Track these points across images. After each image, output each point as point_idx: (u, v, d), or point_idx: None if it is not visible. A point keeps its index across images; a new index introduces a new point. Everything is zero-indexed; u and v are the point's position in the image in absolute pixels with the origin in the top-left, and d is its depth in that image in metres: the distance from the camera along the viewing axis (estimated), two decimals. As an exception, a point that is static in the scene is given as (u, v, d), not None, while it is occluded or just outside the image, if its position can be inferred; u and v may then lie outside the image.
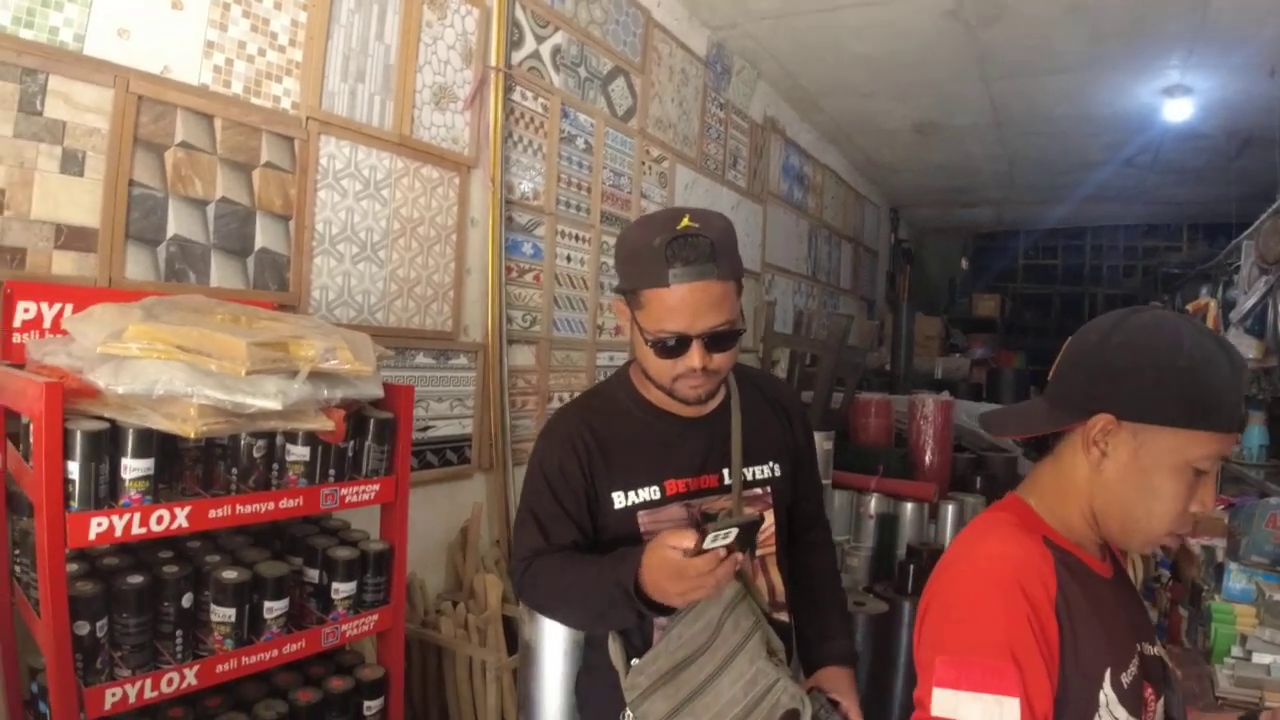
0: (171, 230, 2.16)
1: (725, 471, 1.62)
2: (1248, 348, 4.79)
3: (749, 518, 1.29)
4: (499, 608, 2.77)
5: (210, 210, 2.24)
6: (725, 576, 1.31)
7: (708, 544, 1.23)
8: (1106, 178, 7.61)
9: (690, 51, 4.56)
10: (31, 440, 1.69)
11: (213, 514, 1.68)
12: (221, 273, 2.27)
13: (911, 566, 3.42)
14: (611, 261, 3.78)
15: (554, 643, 2.17)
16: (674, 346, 1.45)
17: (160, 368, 1.57)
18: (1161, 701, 1.18)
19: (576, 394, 3.55)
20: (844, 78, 5.54)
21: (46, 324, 1.94)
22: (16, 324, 1.90)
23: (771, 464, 1.68)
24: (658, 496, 1.56)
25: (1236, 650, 2.31)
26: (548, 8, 3.39)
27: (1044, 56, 5.01)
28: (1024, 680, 0.97)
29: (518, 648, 2.75)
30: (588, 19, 3.65)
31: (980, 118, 6.25)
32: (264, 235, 2.36)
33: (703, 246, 1.38)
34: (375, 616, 2.02)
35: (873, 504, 3.77)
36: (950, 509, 3.85)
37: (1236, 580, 2.57)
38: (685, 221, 1.40)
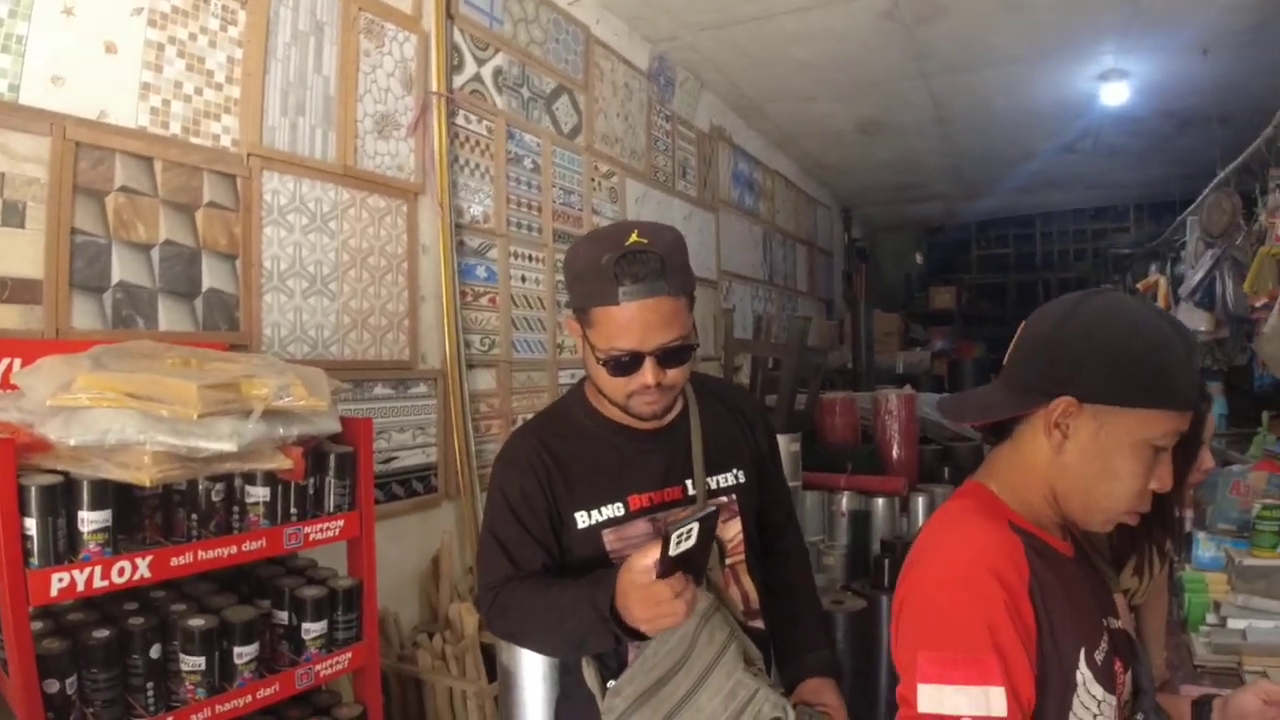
0: (116, 276, 2.12)
1: (688, 482, 1.61)
2: (1199, 320, 4.91)
3: (705, 510, 1.27)
4: (476, 636, 2.75)
5: (154, 254, 2.20)
6: (692, 602, 1.30)
7: (673, 550, 1.22)
8: (1050, 165, 7.76)
9: (632, 66, 4.58)
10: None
11: (175, 562, 1.65)
12: (170, 316, 2.23)
13: (887, 561, 3.44)
14: (567, 279, 3.78)
15: (533, 668, 2.16)
16: (626, 364, 1.44)
17: (111, 416, 1.55)
18: (1130, 673, 1.20)
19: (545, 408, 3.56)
20: (786, 83, 5.60)
21: (-4, 380, 1.90)
22: (-35, 382, 1.87)
23: (735, 471, 1.67)
24: (621, 513, 1.55)
25: (1211, 618, 2.36)
26: (486, 30, 3.39)
27: (981, 51, 5.11)
28: (1007, 668, 0.98)
29: (497, 675, 2.74)
30: (527, 39, 3.66)
31: (923, 114, 6.34)
32: (211, 275, 2.33)
33: (652, 263, 1.38)
34: (349, 654, 1.99)
35: (844, 502, 3.79)
36: (921, 500, 3.89)
37: (1205, 549, 2.63)
38: (634, 237, 1.39)
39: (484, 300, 3.29)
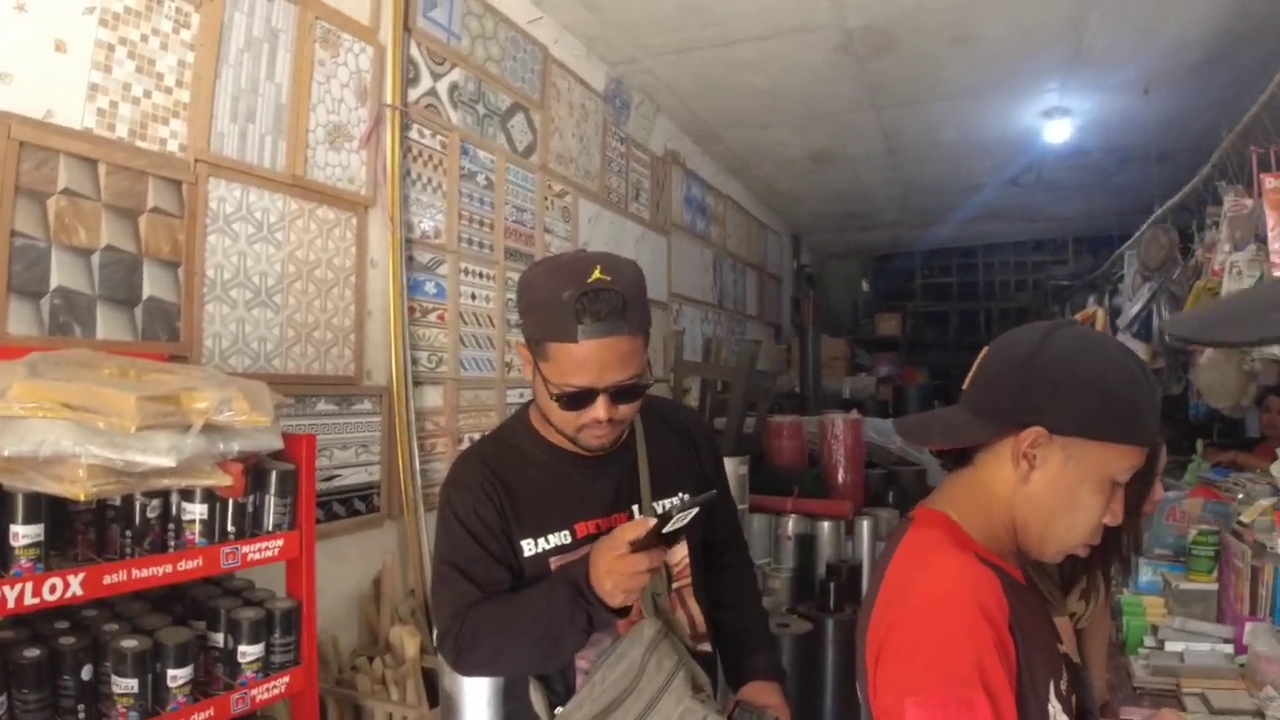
0: (55, 282, 2.04)
1: (635, 508, 1.61)
2: (1137, 351, 5.01)
3: (707, 496, 1.34)
4: (417, 659, 2.69)
5: (95, 259, 2.13)
6: (656, 564, 1.35)
7: (667, 528, 1.29)
8: (994, 197, 7.95)
9: (589, 87, 4.59)
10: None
11: (108, 579, 1.59)
12: (108, 324, 2.15)
13: (832, 584, 3.47)
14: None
15: (475, 693, 2.12)
16: (579, 399, 1.43)
17: (46, 427, 1.48)
18: (1074, 697, 1.21)
19: (487, 433, 3.52)
20: (741, 110, 5.67)
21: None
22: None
23: (681, 495, 1.66)
24: (568, 540, 1.54)
25: (1149, 640, 2.43)
26: (444, 45, 3.37)
27: (931, 85, 5.23)
28: (996, 709, 0.95)
29: (435, 702, 2.68)
30: (485, 56, 3.64)
31: (873, 145, 6.46)
32: (152, 283, 2.26)
33: (614, 301, 1.36)
34: (286, 678, 1.93)
35: (790, 525, 3.81)
36: (865, 524, 3.94)
37: (1143, 573, 2.69)
38: (596, 274, 1.36)
39: (432, 316, 3.25)
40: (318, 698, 2.07)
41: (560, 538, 1.53)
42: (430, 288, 3.23)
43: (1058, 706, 1.07)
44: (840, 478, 4.46)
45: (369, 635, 2.88)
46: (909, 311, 10.87)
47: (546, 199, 4.11)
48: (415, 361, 3.10)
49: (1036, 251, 10.62)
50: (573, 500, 1.56)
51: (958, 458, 1.21)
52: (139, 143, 2.23)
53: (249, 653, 1.86)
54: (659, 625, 1.49)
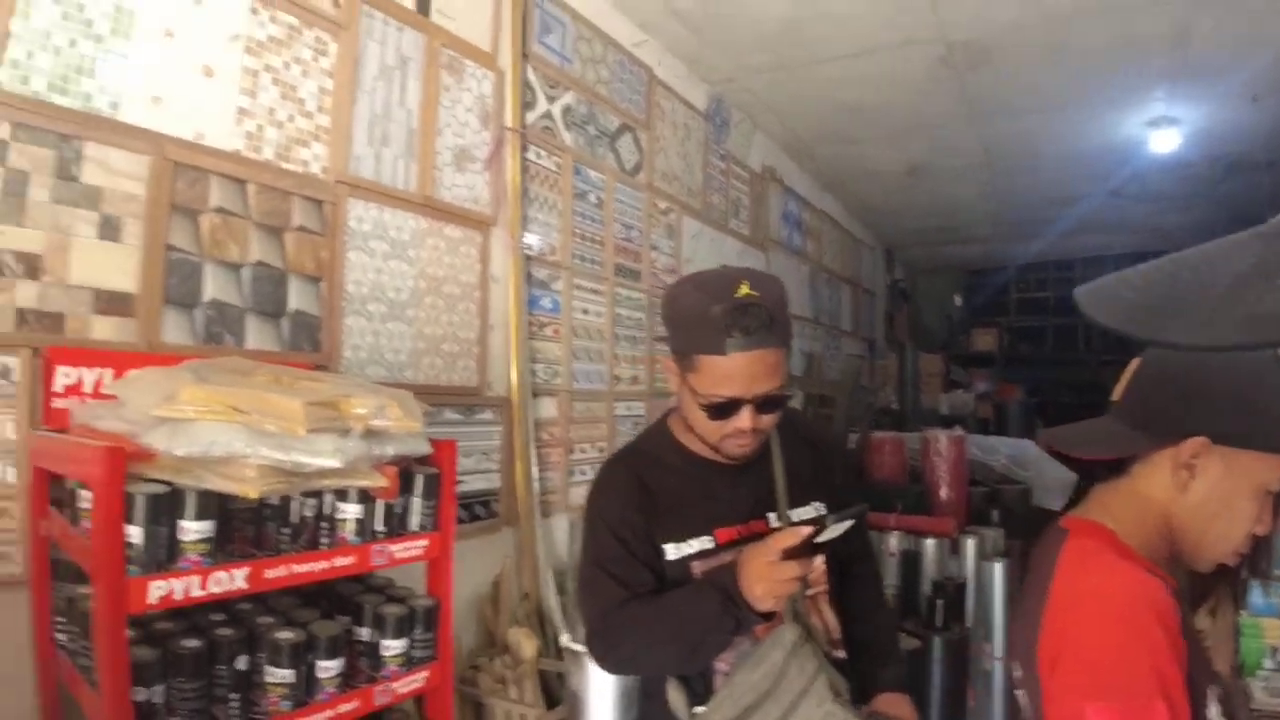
0: (208, 294, 2.19)
1: (771, 516, 1.65)
2: None
3: (859, 510, 1.39)
4: (534, 661, 2.76)
5: (245, 273, 2.27)
6: (805, 572, 1.39)
7: (821, 538, 1.33)
8: (1093, 210, 7.74)
9: (691, 106, 4.66)
10: (81, 505, 1.71)
11: (269, 574, 1.68)
12: (257, 334, 2.30)
13: (939, 602, 3.43)
14: (625, 313, 3.84)
15: (601, 693, 2.19)
16: (726, 409, 1.48)
17: (218, 429, 1.59)
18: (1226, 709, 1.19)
19: (598, 444, 3.60)
20: (838, 126, 5.67)
21: (87, 389, 1.96)
22: (57, 389, 1.92)
23: (815, 504, 1.70)
24: (710, 546, 1.59)
25: (1268, 663, 2.37)
26: (557, 69, 3.48)
27: (1031, 97, 5.15)
28: (1174, 716, 0.95)
29: (550, 703, 2.75)
30: (595, 79, 3.74)
31: (970, 158, 6.38)
32: (297, 297, 2.40)
33: (761, 316, 1.42)
34: (425, 673, 2.01)
35: (894, 542, 3.78)
36: (970, 542, 3.88)
37: (1259, 595, 2.61)
38: (744, 289, 1.42)
39: (548, 330, 3.34)
40: (451, 693, 2.14)
41: (702, 543, 1.58)
42: (546, 302, 3.33)
43: (1215, 710, 1.07)
44: (942, 494, 4.40)
45: (485, 636, 2.96)
46: (1003, 327, 10.63)
47: (652, 216, 4.19)
48: (532, 373, 3.19)
49: (1136, 264, 10.21)
50: (713, 507, 1.61)
51: (1109, 468, 1.21)
52: (284, 164, 2.38)
53: (392, 647, 1.94)
54: (799, 630, 1.51)
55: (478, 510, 2.96)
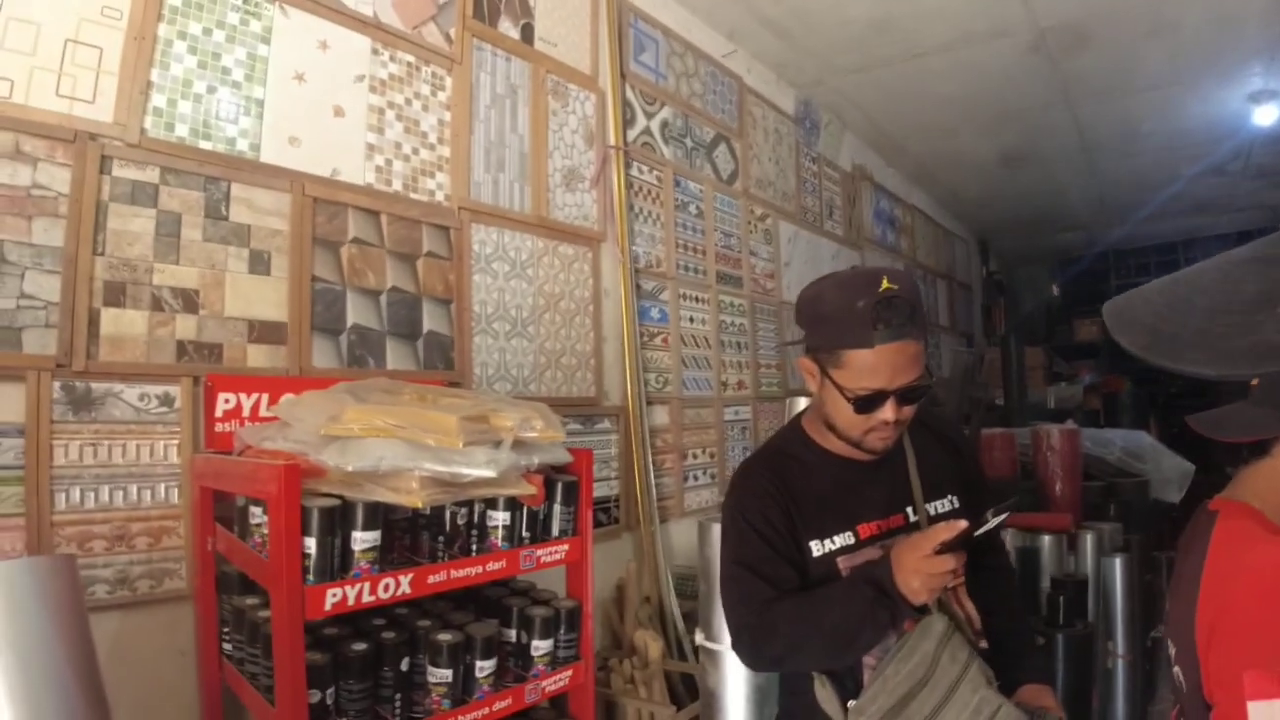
0: (350, 320, 2.35)
1: (909, 510, 1.68)
2: None
3: (1011, 504, 1.43)
4: (660, 662, 2.85)
5: (383, 299, 2.42)
6: (959, 565, 1.43)
7: (977, 532, 1.38)
8: (1196, 189, 7.51)
9: (781, 111, 4.71)
10: (253, 521, 1.86)
11: (431, 580, 1.80)
12: (395, 356, 2.44)
13: (1061, 599, 3.38)
14: (729, 319, 3.90)
15: (736, 692, 2.25)
16: (872, 402, 1.53)
17: (383, 445, 1.72)
18: None
19: (709, 449, 3.67)
20: (929, 119, 5.64)
21: (245, 413, 2.13)
22: (218, 414, 2.09)
23: (950, 497, 1.73)
24: (852, 541, 1.62)
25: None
26: (653, 85, 3.58)
27: (1128, 78, 5.05)
28: None
29: (678, 702, 2.82)
30: (689, 92, 3.83)
31: (1067, 142, 6.26)
32: (430, 319, 2.54)
33: (904, 309, 1.46)
34: (570, 672, 2.11)
35: (1009, 538, 3.74)
36: (1089, 538, 3.80)
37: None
38: (885, 284, 1.47)
39: (657, 340, 3.43)
40: (593, 691, 2.24)
41: (845, 538, 1.62)
42: (654, 313, 3.43)
43: None
44: (1057, 490, 4.33)
45: (611, 638, 3.06)
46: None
47: (750, 223, 4.25)
48: (644, 383, 3.29)
49: (1242, 243, 9.72)
50: (853, 503, 1.65)
51: (1253, 450, 1.22)
52: (412, 195, 2.53)
53: (540, 647, 2.05)
54: (947, 620, 1.55)
55: (599, 517, 3.06)
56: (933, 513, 1.69)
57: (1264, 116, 5.52)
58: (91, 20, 1.91)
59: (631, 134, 3.41)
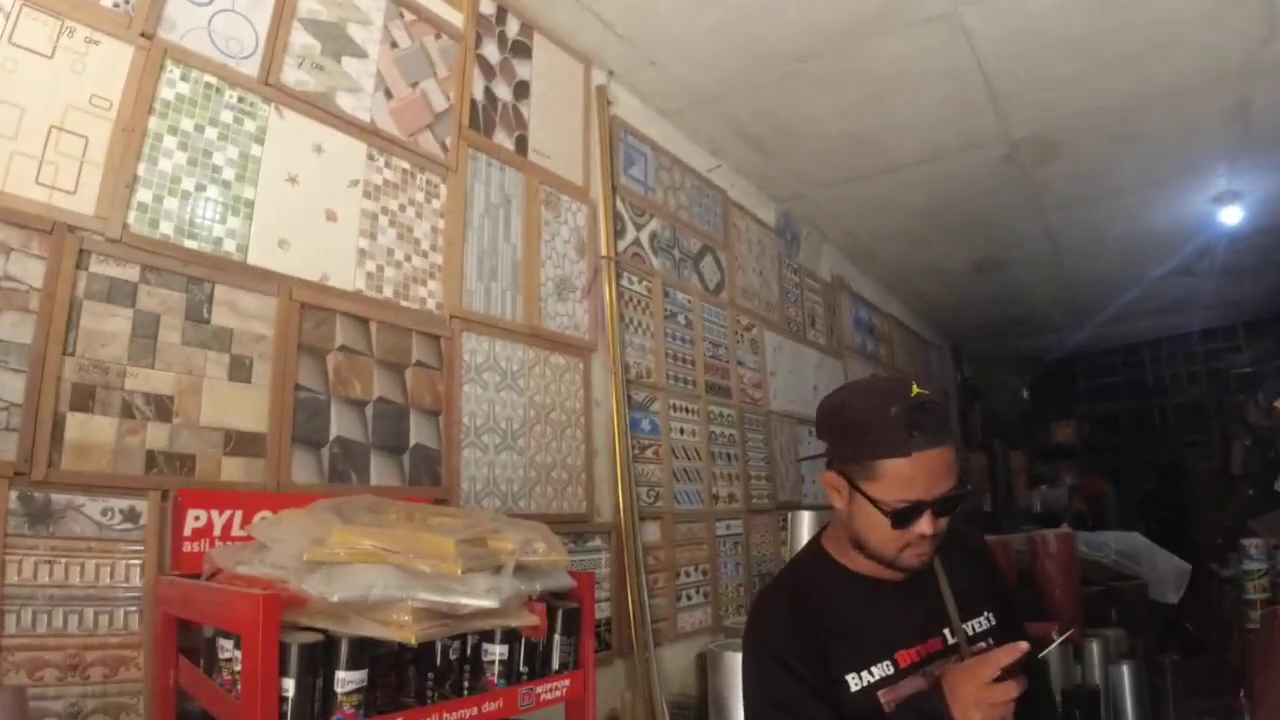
0: (334, 432, 2.22)
1: (946, 632, 1.56)
2: None
3: (1068, 633, 1.42)
4: (660, 802, 2.64)
5: (369, 410, 2.30)
6: (1021, 692, 1.31)
7: (1053, 647, 1.37)
8: (1164, 289, 7.67)
9: (763, 223, 4.76)
10: (223, 655, 1.68)
11: (421, 725, 1.63)
12: (380, 471, 2.31)
13: (1076, 712, 3.23)
14: (718, 430, 3.81)
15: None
16: (909, 515, 1.43)
17: (373, 572, 1.57)
18: None
19: (701, 566, 3.52)
20: (903, 229, 5.74)
21: (217, 531, 1.95)
22: (187, 532, 1.91)
23: (986, 614, 1.62)
24: (892, 671, 1.50)
25: None
26: (642, 198, 3.57)
27: (1097, 184, 5.18)
28: None
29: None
30: (676, 204, 3.84)
31: (1037, 248, 6.39)
32: (417, 431, 2.42)
33: (939, 413, 1.40)
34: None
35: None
36: (1095, 645, 3.67)
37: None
38: (916, 389, 1.41)
39: (649, 453, 3.33)
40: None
41: (884, 669, 1.50)
42: (645, 425, 3.33)
43: None
44: (1056, 595, 4.21)
45: (603, 778, 2.84)
46: (1081, 416, 10.39)
47: (736, 333, 4.21)
48: (637, 497, 3.16)
49: (1205, 340, 10.09)
50: (888, 629, 1.53)
51: None
52: (403, 302, 2.44)
53: (537, 798, 1.86)
54: None
55: (591, 642, 2.88)
56: (970, 633, 1.58)
57: (1229, 217, 5.69)
58: (79, 108, 1.83)
59: (622, 244, 3.38)
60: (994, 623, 1.62)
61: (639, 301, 3.43)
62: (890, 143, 4.37)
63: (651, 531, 3.27)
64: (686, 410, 3.64)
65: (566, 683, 1.92)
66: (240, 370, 2.06)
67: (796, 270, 5.16)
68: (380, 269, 2.40)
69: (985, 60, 3.64)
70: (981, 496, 6.70)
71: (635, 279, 3.43)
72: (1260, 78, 3.97)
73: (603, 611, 2.95)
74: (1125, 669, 3.42)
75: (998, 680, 1.29)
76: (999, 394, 10.14)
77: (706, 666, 2.49)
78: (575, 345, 3.03)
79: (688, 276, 3.85)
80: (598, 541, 2.97)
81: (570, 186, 3.14)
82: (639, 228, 3.52)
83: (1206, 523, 8.17)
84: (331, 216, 2.30)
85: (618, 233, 3.35)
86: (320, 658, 1.55)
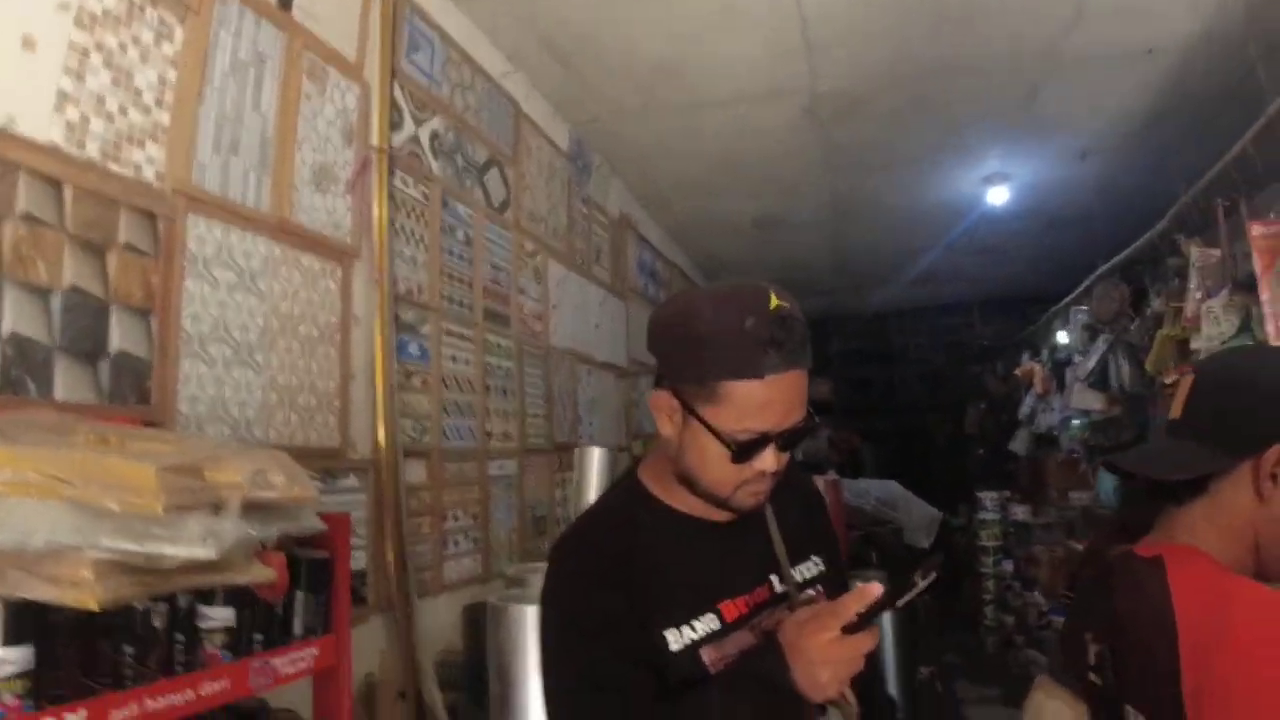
0: (8, 327, 1.65)
1: (773, 578, 1.35)
2: (1092, 401, 5.40)
3: (936, 560, 1.13)
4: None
5: (56, 302, 1.74)
6: (873, 645, 1.11)
7: (908, 596, 1.09)
8: (932, 263, 8.13)
9: (555, 145, 4.40)
10: None
11: (116, 715, 1.19)
12: (69, 382, 1.76)
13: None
14: (495, 362, 3.46)
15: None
16: (752, 448, 1.19)
17: (38, 510, 1.11)
18: None
19: (471, 510, 3.17)
20: (696, 176, 5.59)
21: None
22: None
23: (814, 558, 1.44)
24: (718, 626, 1.26)
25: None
26: (425, 91, 3.11)
27: (885, 151, 5.30)
28: None
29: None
30: (463, 105, 3.40)
31: (819, 212, 6.48)
32: (121, 335, 1.88)
33: (800, 331, 1.17)
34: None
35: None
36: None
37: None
38: (775, 301, 1.16)
39: (416, 380, 2.90)
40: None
41: (707, 623, 1.25)
42: (413, 349, 2.90)
43: None
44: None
45: (349, 751, 2.45)
46: (832, 376, 11.01)
47: (520, 258, 3.84)
48: (401, 431, 2.74)
49: (945, 314, 11.14)
50: (712, 577, 1.30)
51: (1186, 489, 1.17)
52: (112, 165, 1.87)
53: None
54: (851, 709, 1.22)
55: (340, 596, 2.46)
56: (799, 579, 1.37)
57: (995, 196, 6.04)
58: None
59: (398, 139, 2.90)
60: (823, 569, 1.43)
61: (414, 208, 2.98)
62: (697, 80, 4.16)
63: (416, 470, 2.86)
64: (461, 337, 3.24)
65: (314, 651, 1.52)
66: None
67: (586, 201, 4.86)
68: (85, 119, 1.82)
69: (806, 3, 3.47)
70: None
71: (411, 181, 2.96)
72: (1054, 65, 4.12)
73: (358, 562, 2.52)
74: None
75: (846, 631, 1.08)
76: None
77: (486, 621, 2.15)
78: (334, 247, 2.53)
79: (471, 188, 3.42)
80: (353, 480, 2.53)
81: (340, 60, 2.62)
82: (419, 123, 3.05)
83: (942, 477, 9.05)
84: (29, 44, 1.70)
85: (394, 125, 2.86)
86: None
